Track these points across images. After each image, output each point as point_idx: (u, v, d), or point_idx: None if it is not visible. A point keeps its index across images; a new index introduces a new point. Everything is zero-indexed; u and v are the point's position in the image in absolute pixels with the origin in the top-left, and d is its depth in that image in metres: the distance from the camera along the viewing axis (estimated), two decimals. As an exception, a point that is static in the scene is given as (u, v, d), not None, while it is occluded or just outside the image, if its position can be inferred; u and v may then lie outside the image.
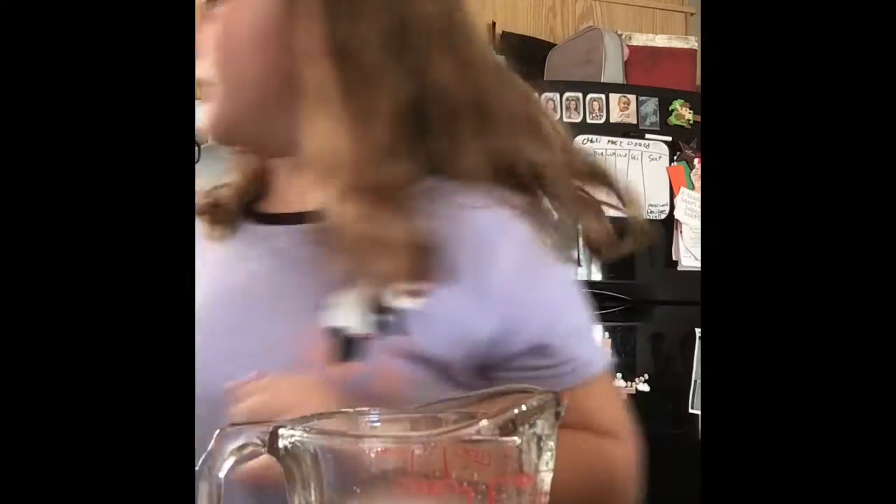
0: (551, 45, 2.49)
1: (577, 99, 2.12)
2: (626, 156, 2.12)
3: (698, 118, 2.18)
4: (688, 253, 2.11)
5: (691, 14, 2.80)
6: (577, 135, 2.10)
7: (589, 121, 2.12)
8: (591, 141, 2.11)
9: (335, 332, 0.65)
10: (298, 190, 0.72)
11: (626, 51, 2.35)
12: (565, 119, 2.11)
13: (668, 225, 2.12)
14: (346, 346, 0.64)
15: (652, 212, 2.12)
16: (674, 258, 2.12)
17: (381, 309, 0.65)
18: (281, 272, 0.70)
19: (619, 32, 2.39)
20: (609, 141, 2.12)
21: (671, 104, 2.17)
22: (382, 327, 0.65)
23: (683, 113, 2.16)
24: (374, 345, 0.64)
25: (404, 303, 0.65)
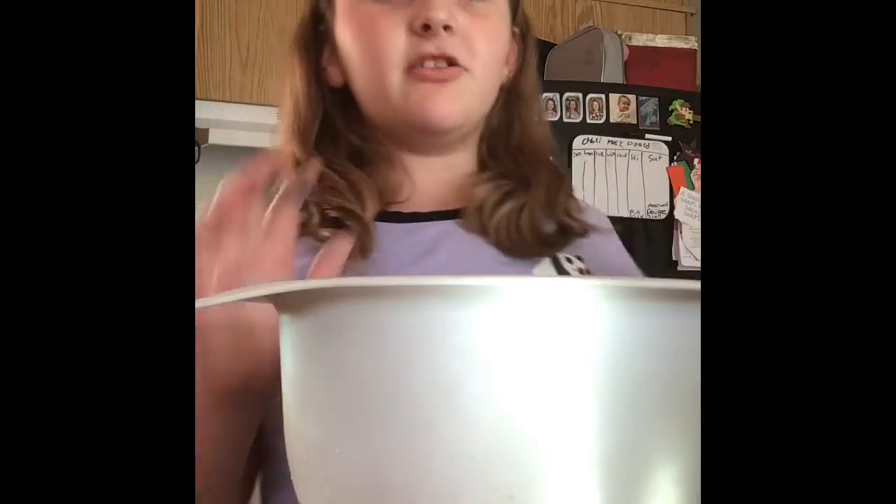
0: (551, 45, 2.49)
1: (577, 99, 2.12)
2: (626, 156, 2.12)
3: (698, 118, 2.18)
4: (688, 253, 2.11)
5: (691, 14, 2.80)
6: (578, 135, 2.10)
7: (589, 121, 2.12)
8: (591, 141, 2.11)
9: None
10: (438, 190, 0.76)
11: (626, 51, 2.35)
12: (565, 119, 2.11)
13: (668, 225, 2.12)
14: None
15: (652, 212, 2.12)
16: (674, 258, 2.12)
17: (560, 269, 0.80)
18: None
19: (619, 32, 2.39)
20: (609, 141, 2.12)
21: (671, 104, 2.16)
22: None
23: (683, 113, 2.16)
24: None
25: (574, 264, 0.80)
